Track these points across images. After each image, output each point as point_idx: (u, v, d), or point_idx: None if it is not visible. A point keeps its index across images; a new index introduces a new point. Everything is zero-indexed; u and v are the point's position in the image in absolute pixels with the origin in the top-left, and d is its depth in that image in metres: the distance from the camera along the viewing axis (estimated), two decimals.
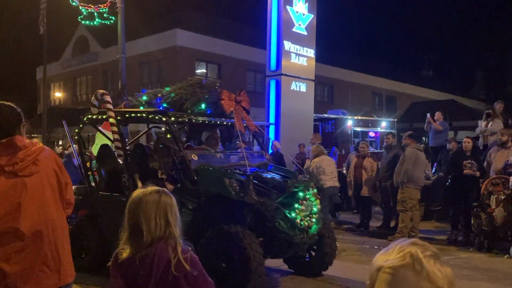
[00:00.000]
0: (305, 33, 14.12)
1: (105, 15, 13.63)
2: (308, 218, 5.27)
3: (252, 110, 6.40)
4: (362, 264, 6.63)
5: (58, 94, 33.75)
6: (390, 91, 35.08)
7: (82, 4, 13.37)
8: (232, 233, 4.86)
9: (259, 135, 7.96)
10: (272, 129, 13.29)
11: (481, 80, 48.05)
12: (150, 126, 7.20)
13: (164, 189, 2.27)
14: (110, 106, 5.98)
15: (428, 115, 11.23)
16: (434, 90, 38.15)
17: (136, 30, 22.10)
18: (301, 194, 5.25)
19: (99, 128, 7.07)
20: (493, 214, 7.27)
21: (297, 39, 13.85)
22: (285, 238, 5.07)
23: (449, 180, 8.62)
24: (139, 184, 5.45)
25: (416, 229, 8.41)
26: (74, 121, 7.82)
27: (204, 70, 24.80)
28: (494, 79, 45.21)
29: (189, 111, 6.02)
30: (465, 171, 8.04)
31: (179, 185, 5.49)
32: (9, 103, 2.78)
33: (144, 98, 6.45)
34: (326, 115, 15.97)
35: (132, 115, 6.09)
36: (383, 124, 16.57)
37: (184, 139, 7.40)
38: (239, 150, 7.16)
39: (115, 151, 6.20)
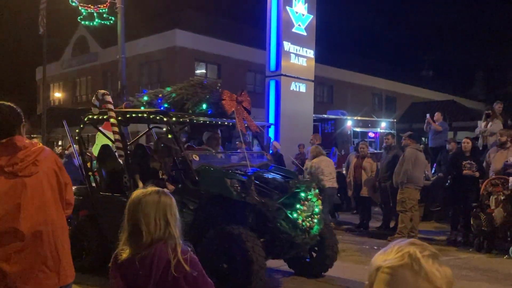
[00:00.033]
0: (304, 33, 14.12)
1: (104, 15, 13.61)
2: (310, 218, 5.26)
3: (251, 110, 6.40)
4: (362, 265, 6.63)
5: (57, 95, 33.70)
6: (390, 91, 35.02)
7: (81, 4, 13.35)
8: (235, 234, 4.84)
9: (260, 135, 7.96)
10: (271, 129, 13.27)
11: (481, 80, 47.97)
12: (151, 126, 7.21)
13: (164, 189, 2.27)
14: (111, 106, 5.97)
15: (428, 115, 11.24)
16: (434, 91, 38.13)
17: (136, 30, 22.05)
18: (303, 194, 5.24)
19: (100, 128, 7.07)
20: (493, 214, 7.28)
21: (297, 39, 13.84)
22: (287, 238, 5.07)
23: (449, 181, 8.63)
24: (140, 184, 5.45)
25: (416, 230, 8.41)
26: (74, 122, 7.81)
27: (203, 71, 24.77)
28: (494, 79, 45.12)
29: (190, 112, 6.02)
30: (464, 172, 8.05)
31: (180, 185, 5.49)
32: (9, 103, 2.77)
33: (145, 98, 6.45)
34: (325, 116, 15.97)
35: (133, 115, 6.09)
36: (383, 124, 16.59)
37: (185, 139, 7.40)
38: (239, 151, 7.16)
39: (115, 151, 6.20)
